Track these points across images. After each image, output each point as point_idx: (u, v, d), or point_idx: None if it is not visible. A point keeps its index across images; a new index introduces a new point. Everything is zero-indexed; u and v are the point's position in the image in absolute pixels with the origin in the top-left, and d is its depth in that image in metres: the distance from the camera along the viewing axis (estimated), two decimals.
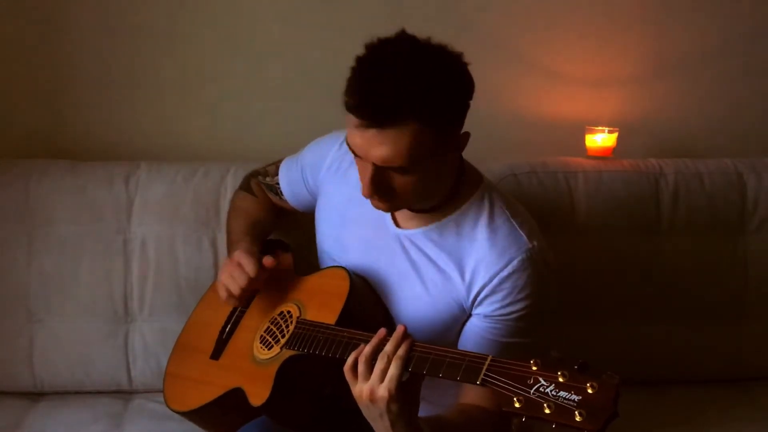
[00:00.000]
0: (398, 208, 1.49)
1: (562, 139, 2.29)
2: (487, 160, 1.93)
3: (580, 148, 2.22)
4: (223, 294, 1.59)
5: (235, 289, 1.57)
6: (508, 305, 1.46)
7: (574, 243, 2.03)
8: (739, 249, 2.12)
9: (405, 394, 1.29)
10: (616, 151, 2.21)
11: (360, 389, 1.30)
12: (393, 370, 1.28)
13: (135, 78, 2.19)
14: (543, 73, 2.29)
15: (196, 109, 2.23)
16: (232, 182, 1.98)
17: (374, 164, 1.37)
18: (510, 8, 2.24)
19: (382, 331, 1.34)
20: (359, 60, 1.36)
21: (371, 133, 1.34)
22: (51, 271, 1.96)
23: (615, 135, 2.21)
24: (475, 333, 1.50)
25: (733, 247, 2.11)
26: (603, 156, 2.19)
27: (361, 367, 1.31)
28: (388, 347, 1.30)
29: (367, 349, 1.32)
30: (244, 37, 2.20)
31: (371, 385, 1.29)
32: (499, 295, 1.46)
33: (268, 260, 1.59)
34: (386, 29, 1.40)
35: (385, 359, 1.29)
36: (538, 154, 2.14)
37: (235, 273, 1.57)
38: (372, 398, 1.29)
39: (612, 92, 2.32)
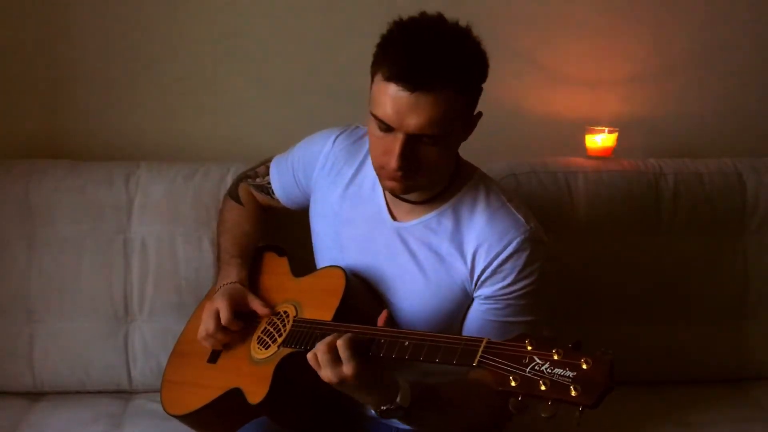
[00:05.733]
0: (413, 189, 1.50)
1: (562, 139, 2.29)
2: (487, 160, 1.93)
3: (580, 148, 2.22)
4: (200, 334, 1.64)
5: (202, 333, 1.62)
6: (509, 285, 1.49)
7: (574, 243, 2.03)
8: (739, 249, 2.12)
9: (368, 365, 1.32)
10: (616, 151, 2.21)
11: (324, 375, 1.33)
12: (345, 361, 1.31)
13: (135, 78, 2.19)
14: (543, 74, 2.29)
15: (196, 109, 2.23)
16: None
17: (406, 134, 1.38)
18: (510, 9, 2.24)
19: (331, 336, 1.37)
20: (396, 32, 1.40)
21: (412, 99, 1.36)
22: (51, 271, 1.96)
23: (615, 135, 2.21)
24: (478, 317, 1.52)
25: (733, 247, 2.11)
26: (603, 156, 2.19)
27: (321, 357, 1.33)
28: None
29: (329, 338, 1.34)
30: (244, 37, 2.20)
31: (330, 369, 1.32)
32: (499, 276, 1.49)
33: (259, 309, 1.62)
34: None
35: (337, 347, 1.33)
36: (538, 154, 2.14)
37: (209, 319, 1.61)
38: (336, 381, 1.32)
39: (612, 92, 2.32)
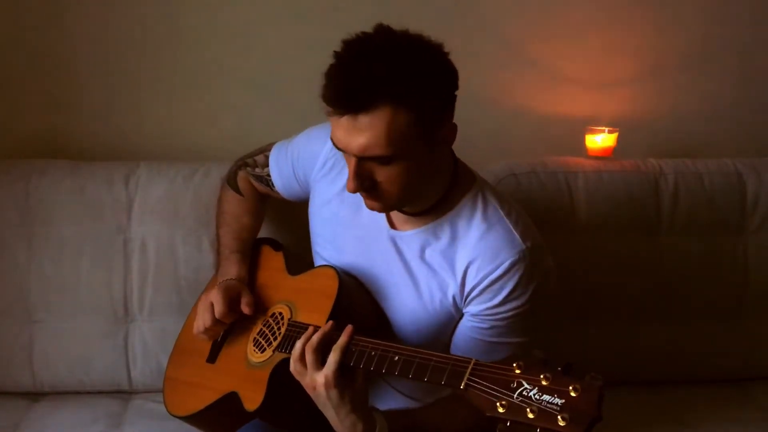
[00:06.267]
0: (391, 208, 1.48)
1: (562, 139, 2.29)
2: (487, 160, 1.93)
3: (580, 148, 2.22)
4: (196, 328, 1.64)
5: (200, 327, 1.62)
6: (496, 306, 1.46)
7: (574, 243, 2.03)
8: (739, 249, 2.12)
9: (346, 381, 1.33)
10: (616, 151, 2.21)
11: (309, 378, 1.35)
12: (331, 358, 1.33)
13: (135, 78, 2.19)
14: (543, 74, 2.29)
15: (196, 109, 2.23)
16: None
17: (356, 156, 1.37)
18: (511, 10, 2.24)
19: (329, 324, 1.38)
20: (335, 53, 1.38)
21: (348, 122, 1.34)
22: (51, 271, 1.96)
23: (615, 135, 2.21)
24: (464, 333, 1.51)
25: (733, 247, 2.11)
26: (603, 156, 2.19)
27: (308, 357, 1.35)
28: (334, 337, 1.36)
29: (314, 339, 1.36)
30: (244, 37, 2.20)
31: (311, 372, 1.34)
32: (488, 295, 1.46)
33: (245, 308, 1.62)
34: None
35: (326, 349, 1.34)
36: (538, 154, 2.14)
37: (205, 313, 1.61)
38: (313, 385, 1.34)
39: (612, 92, 2.32)
